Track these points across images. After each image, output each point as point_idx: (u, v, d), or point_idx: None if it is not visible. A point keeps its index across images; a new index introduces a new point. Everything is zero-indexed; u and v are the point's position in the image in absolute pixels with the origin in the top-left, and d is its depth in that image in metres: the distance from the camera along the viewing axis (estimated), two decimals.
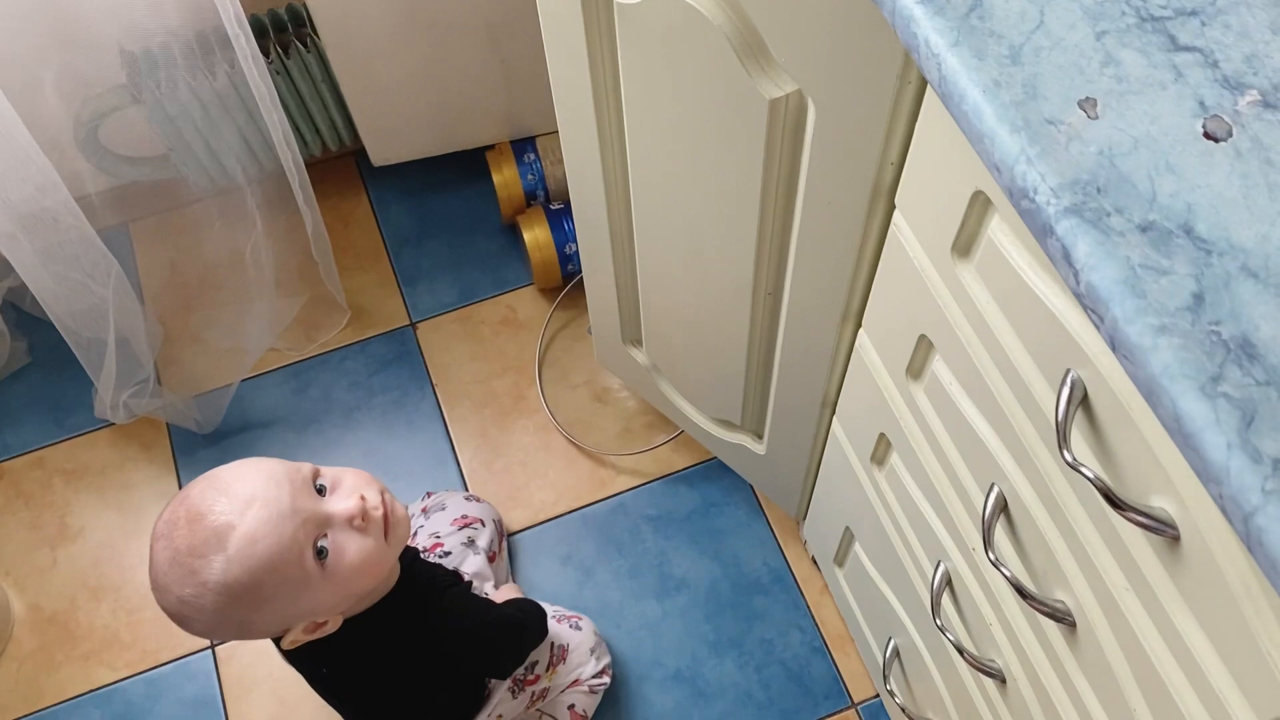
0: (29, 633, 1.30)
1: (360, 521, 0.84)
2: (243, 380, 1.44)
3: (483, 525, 1.27)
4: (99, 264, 1.23)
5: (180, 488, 1.38)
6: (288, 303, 1.45)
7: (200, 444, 1.41)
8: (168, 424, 1.42)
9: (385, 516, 0.87)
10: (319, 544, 0.83)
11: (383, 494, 0.88)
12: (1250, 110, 0.47)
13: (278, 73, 1.34)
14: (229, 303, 1.45)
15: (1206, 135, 0.46)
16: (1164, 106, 0.47)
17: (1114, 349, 0.44)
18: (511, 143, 1.50)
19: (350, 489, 0.86)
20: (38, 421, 1.44)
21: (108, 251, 1.22)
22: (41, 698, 1.26)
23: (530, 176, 1.48)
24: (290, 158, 1.24)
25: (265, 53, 1.32)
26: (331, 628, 0.88)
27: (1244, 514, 0.40)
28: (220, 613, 0.81)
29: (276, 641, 0.91)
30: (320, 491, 0.85)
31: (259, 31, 1.34)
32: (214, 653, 1.28)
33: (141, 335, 1.33)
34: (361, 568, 0.85)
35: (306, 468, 0.86)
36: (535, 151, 1.49)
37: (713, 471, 1.38)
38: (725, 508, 1.36)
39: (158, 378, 1.43)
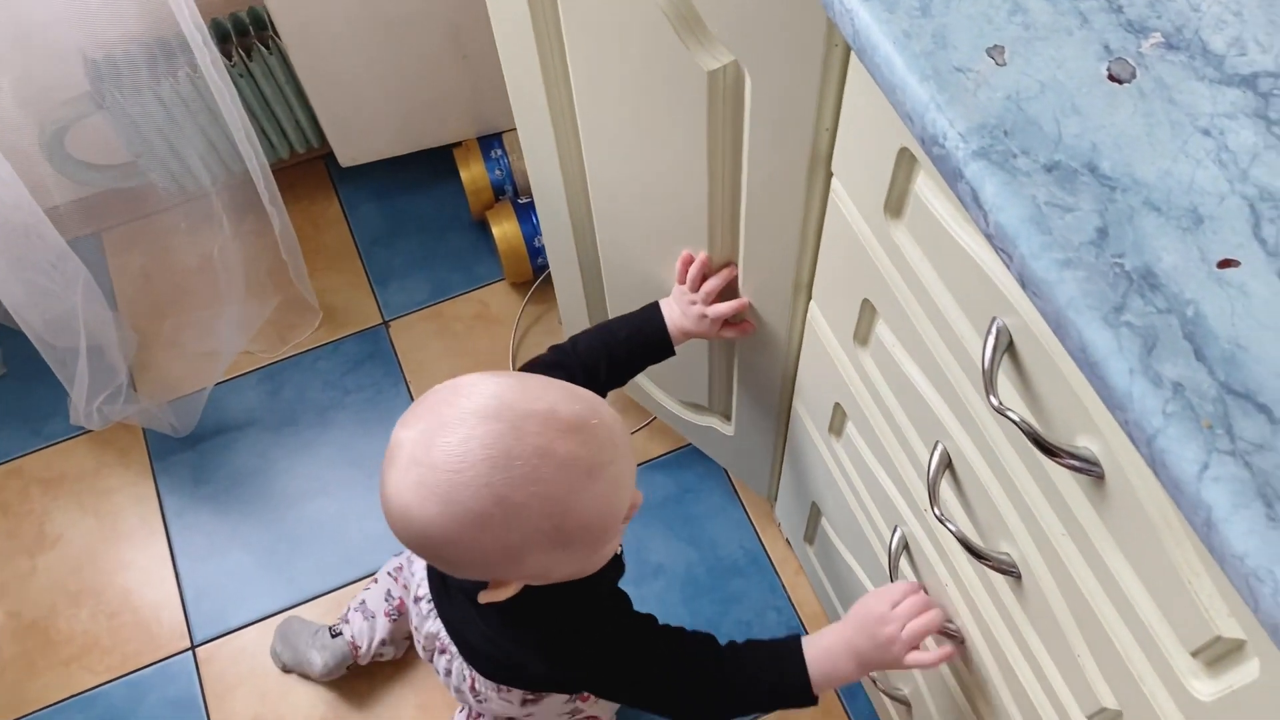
0: (9, 640, 1.30)
1: (637, 506, 0.76)
2: (217, 384, 1.44)
3: None
4: (69, 273, 1.24)
5: (157, 492, 1.39)
6: (259, 305, 1.46)
7: (176, 448, 1.42)
8: (143, 429, 1.43)
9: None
10: None
11: None
12: (1153, 52, 0.48)
13: (241, 76, 1.35)
14: (201, 307, 1.45)
15: (1111, 77, 0.48)
16: (1070, 51, 0.48)
17: (1023, 285, 0.45)
18: (478, 139, 1.51)
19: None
20: (14, 431, 1.44)
21: (78, 260, 1.22)
22: (24, 704, 1.27)
23: (497, 172, 1.49)
24: (255, 160, 1.24)
25: (227, 56, 1.33)
26: (513, 591, 0.74)
27: (1147, 437, 0.41)
28: (525, 533, 0.67)
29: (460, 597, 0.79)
30: None
31: (221, 35, 1.35)
32: (194, 654, 1.28)
33: (114, 342, 1.33)
34: (614, 550, 0.77)
35: None
36: (502, 147, 1.50)
37: (686, 458, 1.38)
38: (700, 493, 1.36)
39: (132, 383, 1.44)
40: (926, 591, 0.79)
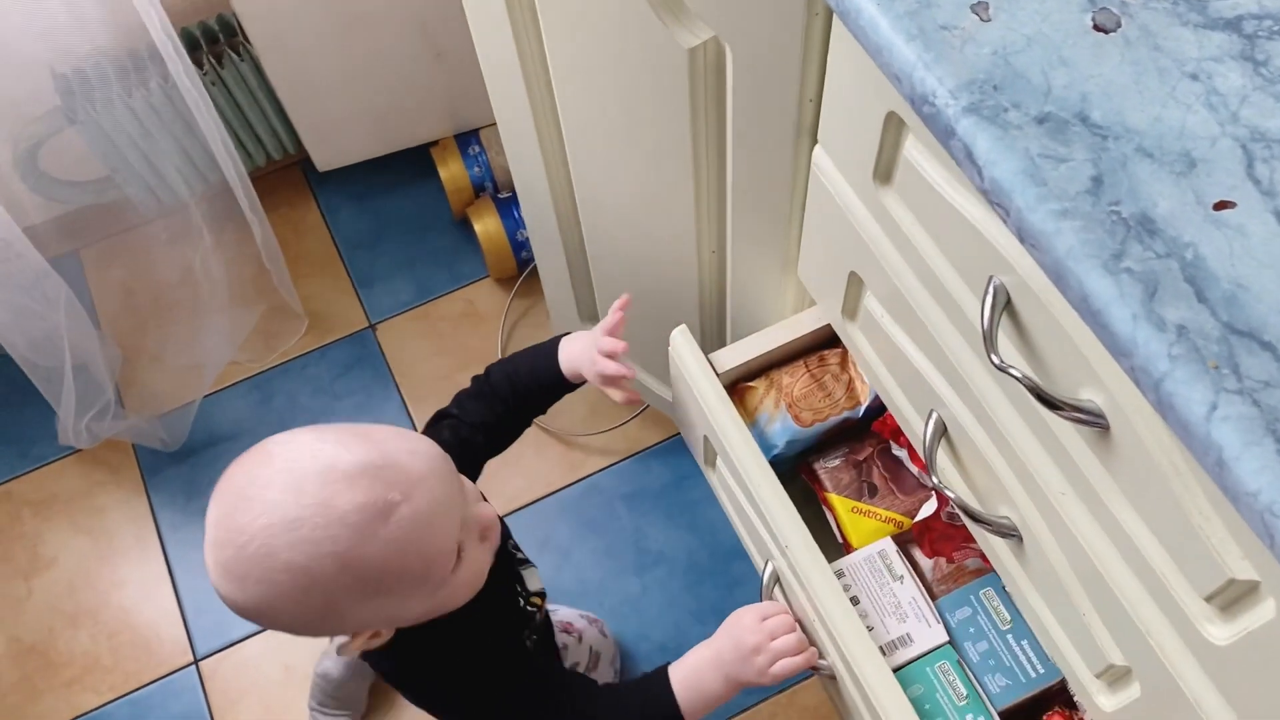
0: (10, 665, 1.29)
1: (491, 532, 0.75)
2: (205, 396, 1.43)
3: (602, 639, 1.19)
4: (50, 292, 1.22)
5: (151, 508, 1.38)
6: (244, 315, 1.45)
7: (168, 462, 1.40)
8: (134, 445, 1.41)
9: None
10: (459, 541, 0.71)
11: None
12: (1137, 0, 0.48)
13: (213, 84, 1.34)
14: (185, 319, 1.44)
15: (1096, 27, 0.47)
16: (1054, 4, 0.48)
17: (1021, 239, 0.45)
18: (455, 137, 1.50)
19: (473, 492, 0.76)
20: (2, 455, 1.43)
21: (59, 278, 1.21)
22: None
23: (476, 169, 1.48)
24: (232, 168, 1.23)
25: (199, 65, 1.32)
26: (384, 639, 0.74)
27: (1154, 381, 0.41)
28: (321, 591, 0.66)
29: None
30: None
31: (191, 44, 1.34)
32: (198, 668, 1.27)
33: (99, 359, 1.32)
34: (475, 581, 0.74)
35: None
36: (479, 143, 1.49)
37: (682, 444, 1.38)
38: (698, 478, 1.36)
39: (119, 400, 1.43)
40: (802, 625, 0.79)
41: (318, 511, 0.64)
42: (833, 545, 0.85)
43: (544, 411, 0.91)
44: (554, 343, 0.88)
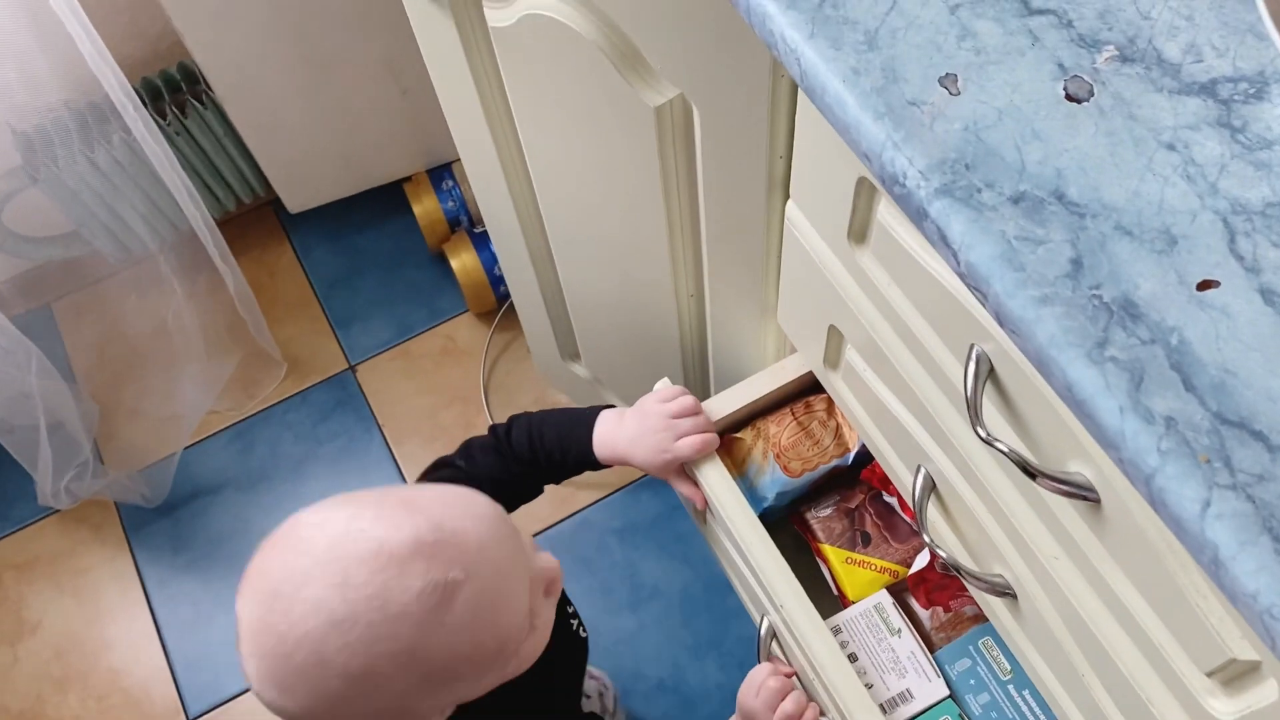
0: None
1: (557, 584, 0.66)
2: (186, 448, 1.41)
3: (606, 687, 1.14)
4: (20, 354, 1.20)
5: (136, 565, 1.36)
6: (221, 364, 1.43)
7: (151, 518, 1.38)
8: (115, 502, 1.39)
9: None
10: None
11: None
12: (1109, 66, 0.47)
13: (177, 134, 1.32)
14: (161, 371, 1.42)
15: (1069, 97, 0.46)
16: (1024, 74, 0.47)
17: (1001, 324, 0.44)
18: (428, 172, 1.49)
19: (529, 542, 0.66)
20: None
21: (24, 338, 1.19)
22: None
23: (450, 203, 1.47)
24: (199, 218, 1.21)
25: (162, 114, 1.30)
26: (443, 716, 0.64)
27: (1145, 476, 0.39)
28: (391, 692, 0.58)
29: None
30: None
31: (153, 93, 1.31)
32: None
33: (75, 417, 1.30)
34: (544, 639, 0.65)
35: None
36: (453, 178, 1.47)
37: None
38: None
39: (99, 456, 1.40)
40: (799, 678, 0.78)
41: (371, 607, 0.55)
42: (827, 596, 0.84)
43: (559, 482, 0.83)
44: (592, 414, 0.80)
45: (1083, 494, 0.49)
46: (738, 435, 0.84)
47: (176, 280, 1.31)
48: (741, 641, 1.26)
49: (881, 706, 0.72)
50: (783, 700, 0.75)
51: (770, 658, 0.80)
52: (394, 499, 0.60)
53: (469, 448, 0.81)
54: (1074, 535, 0.53)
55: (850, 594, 0.80)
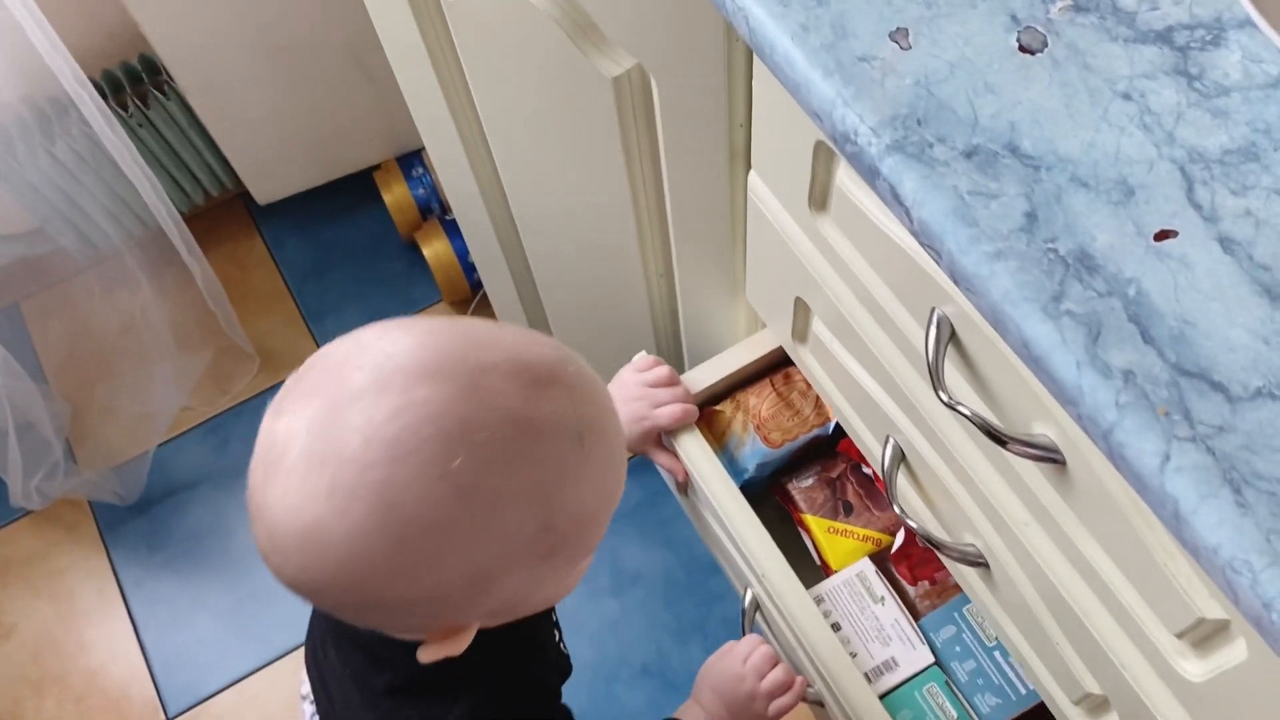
0: None
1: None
2: (160, 445, 1.39)
3: None
4: None
5: (112, 564, 1.34)
6: (193, 359, 1.41)
7: (126, 516, 1.37)
8: (90, 501, 1.37)
9: None
10: None
11: None
12: (1063, 17, 0.45)
13: (140, 126, 1.29)
14: (132, 368, 1.40)
15: (1022, 49, 0.45)
16: (976, 25, 0.46)
17: (955, 282, 0.42)
18: (397, 159, 1.47)
19: None
20: None
21: None
22: None
23: (421, 190, 1.45)
24: (164, 211, 1.19)
25: (124, 106, 1.28)
26: (469, 638, 0.52)
27: (1103, 431, 0.38)
28: (472, 540, 0.46)
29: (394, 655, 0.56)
30: None
31: (114, 86, 1.29)
32: None
33: (45, 416, 1.28)
34: (576, 581, 0.55)
35: None
36: (423, 164, 1.46)
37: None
38: (669, 494, 1.34)
39: (72, 456, 1.39)
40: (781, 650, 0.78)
41: (510, 420, 0.44)
42: (810, 567, 0.83)
43: None
44: None
45: (1048, 456, 0.48)
46: (717, 408, 0.83)
47: (144, 276, 1.29)
48: (725, 624, 1.25)
49: (866, 675, 0.72)
50: (773, 669, 0.73)
51: (754, 630, 0.80)
52: (505, 324, 0.51)
53: None
54: (1042, 500, 0.52)
55: (833, 563, 0.79)
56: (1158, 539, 0.44)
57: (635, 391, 0.76)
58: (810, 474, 0.84)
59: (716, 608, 1.26)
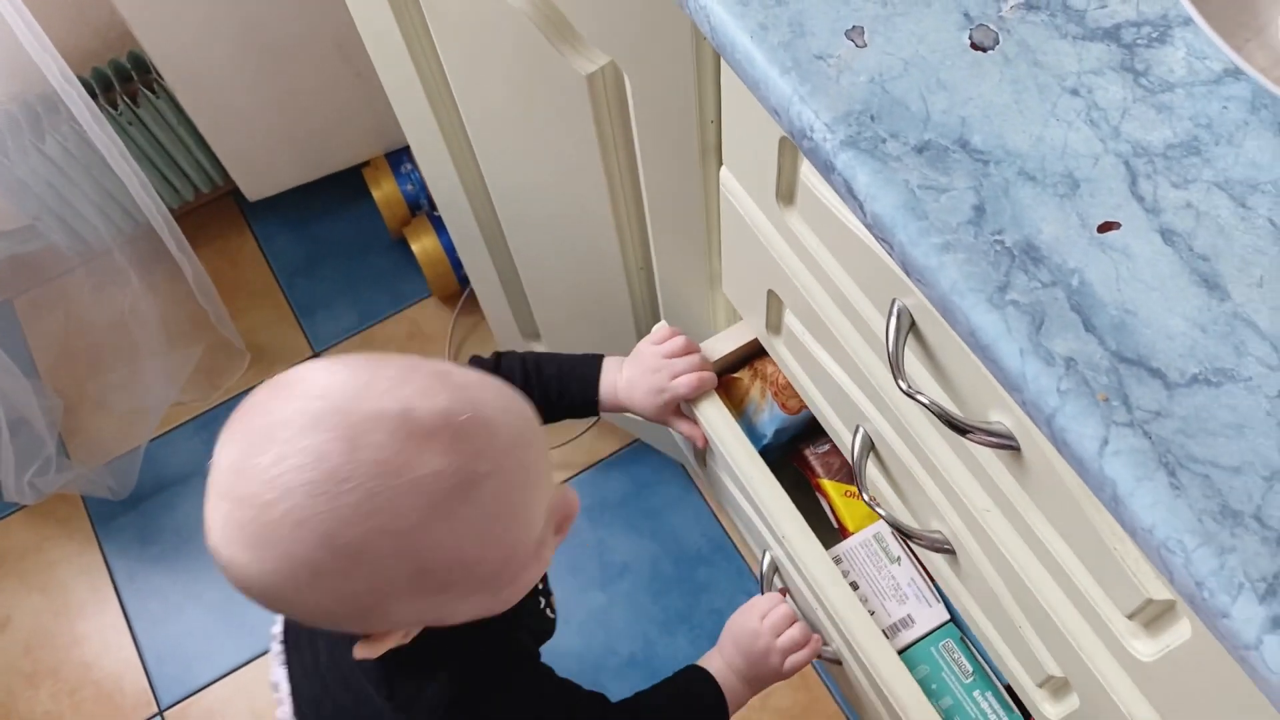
0: None
1: (570, 522, 0.61)
2: (152, 439, 1.40)
3: None
4: None
5: (104, 558, 1.35)
6: (184, 354, 1.42)
7: (118, 510, 1.38)
8: (82, 496, 1.39)
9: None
10: None
11: None
12: (1014, 14, 0.47)
13: (130, 123, 1.31)
14: (123, 364, 1.41)
15: (974, 46, 0.46)
16: (930, 24, 0.47)
17: (906, 273, 0.44)
18: (386, 155, 1.48)
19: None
20: None
21: None
22: None
23: (410, 186, 1.46)
24: (153, 207, 1.20)
25: (113, 104, 1.29)
26: (396, 641, 0.57)
27: (1046, 416, 0.40)
28: (375, 578, 0.51)
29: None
30: None
31: (104, 84, 1.30)
32: (163, 718, 1.25)
33: (37, 412, 1.29)
34: (532, 581, 0.59)
35: None
36: (411, 161, 1.47)
37: (638, 453, 1.37)
38: (657, 486, 1.35)
39: (64, 450, 1.40)
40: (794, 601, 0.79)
41: (380, 472, 0.48)
42: (828, 531, 0.84)
43: (544, 424, 0.77)
44: (596, 357, 0.79)
45: (1004, 444, 0.49)
46: (735, 375, 0.84)
47: (134, 272, 1.30)
48: (711, 615, 1.27)
49: (884, 632, 0.73)
50: (790, 627, 0.75)
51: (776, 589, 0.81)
52: (428, 367, 0.54)
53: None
54: (1001, 486, 0.53)
55: (850, 527, 0.81)
56: (1106, 523, 0.46)
57: (653, 363, 0.77)
58: (827, 440, 0.85)
59: (703, 599, 1.28)
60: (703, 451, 0.84)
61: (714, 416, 0.78)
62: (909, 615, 0.76)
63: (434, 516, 0.50)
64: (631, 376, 0.78)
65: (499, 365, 0.78)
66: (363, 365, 0.53)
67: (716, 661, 0.78)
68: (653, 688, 0.76)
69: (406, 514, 0.49)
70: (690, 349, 0.79)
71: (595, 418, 1.37)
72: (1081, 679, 0.54)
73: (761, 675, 0.76)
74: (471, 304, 1.47)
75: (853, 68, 0.46)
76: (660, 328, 0.80)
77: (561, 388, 0.78)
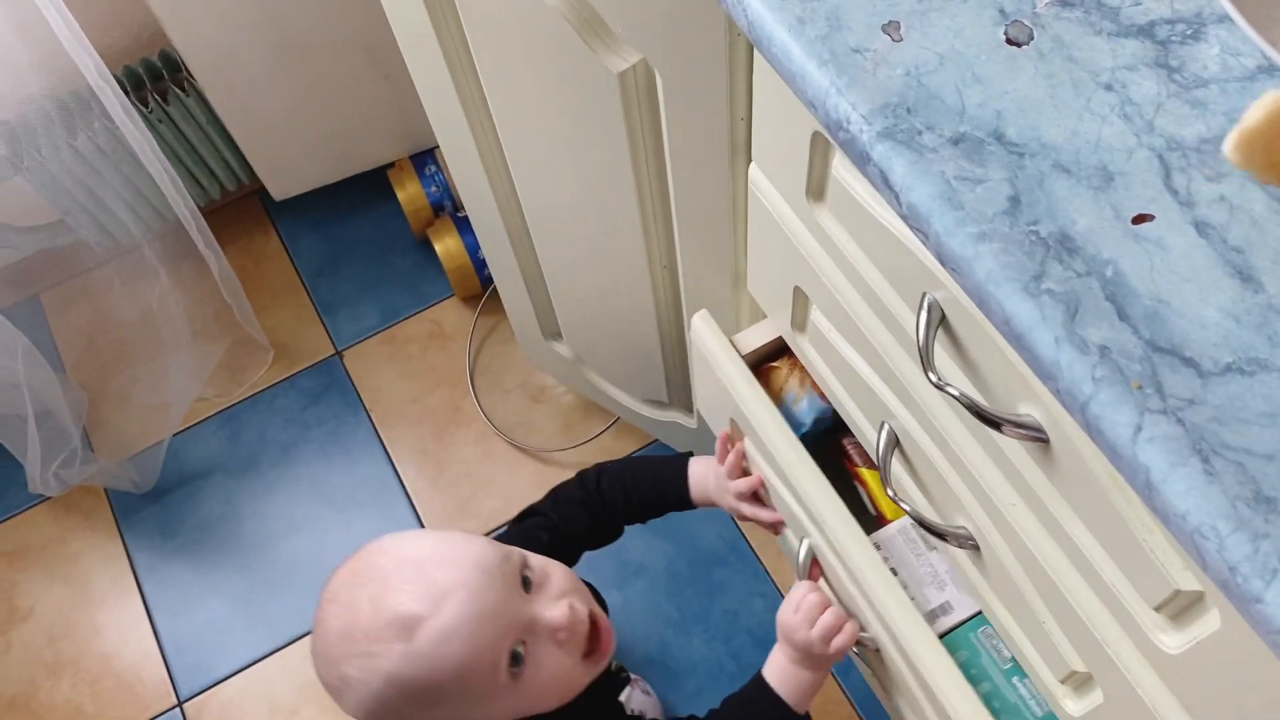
0: None
1: (564, 635, 0.71)
2: (175, 434, 1.42)
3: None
4: (7, 342, 1.21)
5: (126, 550, 1.37)
6: (208, 350, 1.43)
7: (141, 504, 1.39)
8: (105, 489, 1.40)
9: (594, 632, 0.74)
10: (514, 649, 0.70)
11: (590, 605, 0.75)
12: (1049, 11, 0.47)
13: (160, 121, 1.32)
14: (149, 359, 1.43)
15: (1009, 41, 0.47)
16: (966, 19, 0.48)
17: (942, 263, 0.44)
18: (411, 157, 1.49)
19: (559, 590, 0.73)
20: None
21: (13, 328, 1.19)
22: None
23: (434, 188, 1.47)
24: (183, 204, 1.22)
25: (144, 102, 1.31)
26: None
27: (1080, 404, 0.40)
28: (382, 702, 0.69)
29: None
30: (525, 585, 0.72)
31: (135, 82, 1.32)
32: (182, 710, 1.27)
33: (63, 405, 1.31)
34: (553, 687, 0.72)
35: (516, 555, 0.73)
36: (436, 163, 1.48)
37: (657, 452, 1.37)
38: None
39: (88, 444, 1.41)
40: (832, 587, 0.81)
41: (356, 626, 0.69)
42: (866, 519, 0.84)
43: (644, 522, 0.93)
44: (682, 462, 0.89)
45: (1033, 435, 0.50)
46: (774, 364, 0.85)
47: (162, 268, 1.31)
48: (726, 616, 1.27)
49: (923, 618, 0.73)
50: (822, 614, 0.77)
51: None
52: (430, 540, 0.73)
53: (558, 498, 0.90)
54: (1028, 479, 0.53)
55: (889, 514, 0.81)
56: (1135, 514, 0.46)
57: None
58: None
59: (719, 600, 1.28)
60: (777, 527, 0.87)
61: (754, 404, 0.78)
62: (947, 601, 0.76)
63: (392, 653, 0.69)
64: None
65: (600, 483, 0.89)
66: (391, 541, 0.74)
67: (777, 656, 0.81)
68: (723, 707, 0.84)
69: (377, 654, 0.69)
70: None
71: (615, 418, 1.38)
72: (1106, 674, 0.55)
73: (816, 659, 0.79)
74: (492, 304, 1.48)
75: (889, 61, 0.47)
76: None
77: (659, 497, 0.90)
